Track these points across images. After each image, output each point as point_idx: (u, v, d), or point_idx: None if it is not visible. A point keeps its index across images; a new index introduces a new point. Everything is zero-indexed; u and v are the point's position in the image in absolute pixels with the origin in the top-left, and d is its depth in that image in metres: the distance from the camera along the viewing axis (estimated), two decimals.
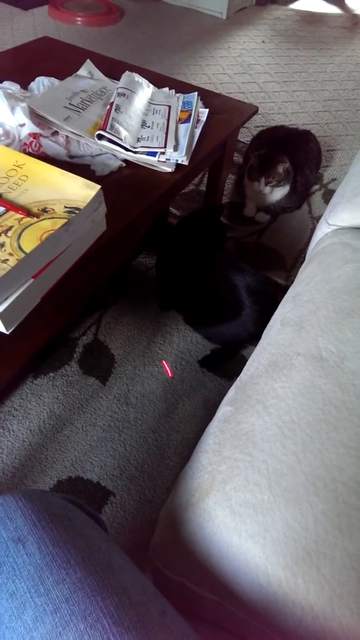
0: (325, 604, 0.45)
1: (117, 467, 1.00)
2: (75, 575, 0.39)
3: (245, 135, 1.96)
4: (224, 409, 0.65)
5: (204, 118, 1.08)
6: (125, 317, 1.27)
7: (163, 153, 0.93)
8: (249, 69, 2.57)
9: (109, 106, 0.98)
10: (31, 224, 0.65)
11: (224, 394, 0.71)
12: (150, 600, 0.41)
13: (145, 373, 1.16)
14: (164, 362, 1.11)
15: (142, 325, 1.26)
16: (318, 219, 1.64)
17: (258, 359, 0.69)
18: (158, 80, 1.16)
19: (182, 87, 1.17)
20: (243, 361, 1.18)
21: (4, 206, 0.66)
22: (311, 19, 3.28)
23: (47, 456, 1.00)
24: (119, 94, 1.01)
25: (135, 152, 0.93)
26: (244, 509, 0.51)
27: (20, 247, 0.61)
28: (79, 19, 2.84)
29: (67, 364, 1.16)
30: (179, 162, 0.94)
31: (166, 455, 1.03)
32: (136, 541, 0.91)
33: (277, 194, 1.52)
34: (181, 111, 1.06)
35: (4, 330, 0.60)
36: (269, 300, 1.09)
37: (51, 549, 0.41)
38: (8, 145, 0.87)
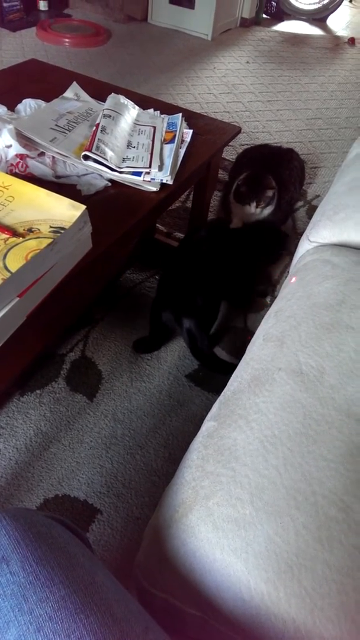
0: (307, 617, 0.46)
1: (104, 485, 1.00)
2: (58, 593, 0.40)
3: (231, 154, 2.00)
4: (207, 425, 0.66)
5: (188, 138, 1.11)
6: (112, 334, 1.28)
7: (148, 173, 0.95)
8: (233, 88, 2.63)
9: (94, 127, 1.00)
10: (17, 244, 0.66)
11: None
12: (133, 617, 0.42)
13: (133, 389, 1.17)
14: None
15: (130, 341, 1.27)
16: (302, 234, 1.67)
17: (241, 374, 0.70)
18: (143, 102, 1.19)
19: (167, 108, 1.19)
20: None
21: None
22: (294, 40, 3.37)
23: (34, 474, 1.00)
24: (104, 116, 1.04)
25: (120, 172, 0.95)
26: (226, 524, 0.51)
27: (5, 267, 0.63)
28: (66, 40, 2.90)
29: (54, 381, 1.16)
30: (164, 181, 0.96)
31: (154, 472, 1.03)
32: (124, 559, 0.90)
33: (264, 212, 1.56)
34: (166, 132, 1.09)
35: None
36: None
37: (35, 568, 0.41)
38: None
